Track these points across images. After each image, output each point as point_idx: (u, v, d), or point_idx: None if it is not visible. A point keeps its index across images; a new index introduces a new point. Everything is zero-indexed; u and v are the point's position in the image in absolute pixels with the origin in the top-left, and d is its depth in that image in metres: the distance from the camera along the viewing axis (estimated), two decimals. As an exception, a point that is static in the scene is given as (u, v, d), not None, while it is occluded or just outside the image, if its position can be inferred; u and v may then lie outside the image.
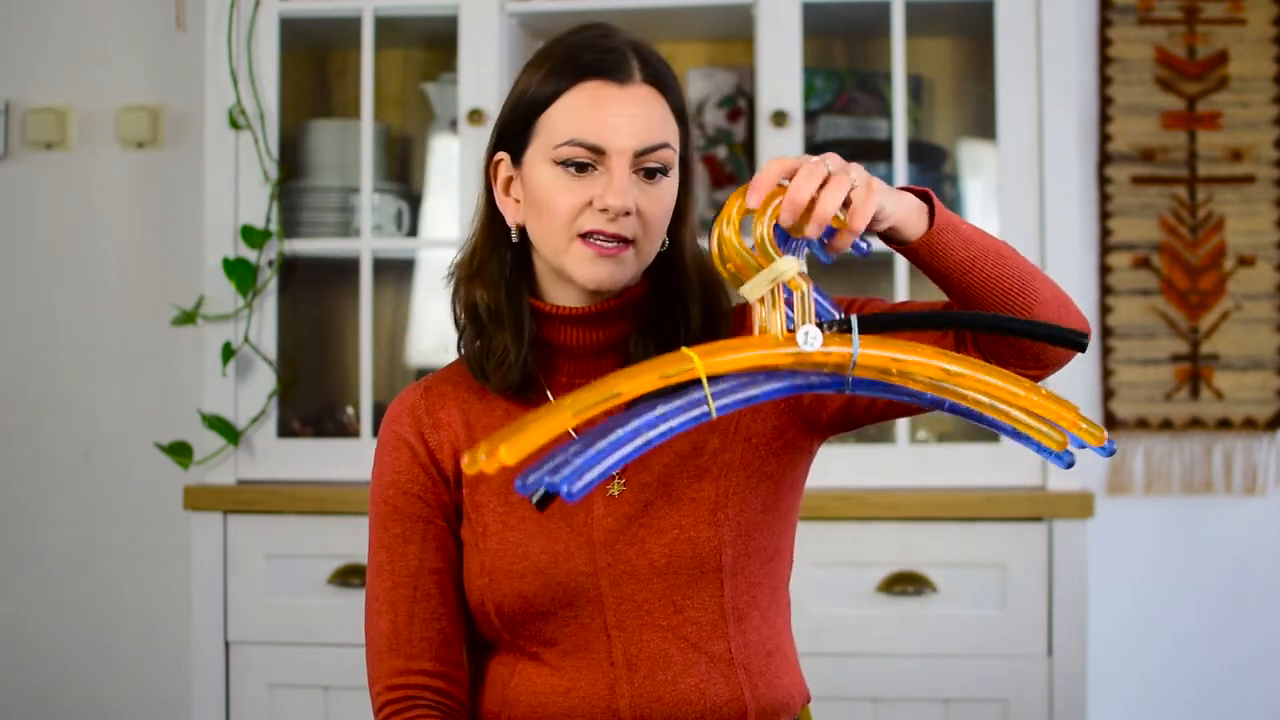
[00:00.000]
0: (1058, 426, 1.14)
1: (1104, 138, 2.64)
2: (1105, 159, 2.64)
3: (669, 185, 1.35)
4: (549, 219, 1.33)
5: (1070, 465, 1.16)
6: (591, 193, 1.31)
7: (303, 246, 2.48)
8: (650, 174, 1.33)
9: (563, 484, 1.02)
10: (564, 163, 1.32)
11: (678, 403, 1.07)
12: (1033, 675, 2.26)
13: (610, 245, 1.31)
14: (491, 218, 1.41)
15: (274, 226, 2.43)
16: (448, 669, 1.38)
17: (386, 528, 1.39)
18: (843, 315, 1.12)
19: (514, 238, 1.38)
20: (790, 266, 1.09)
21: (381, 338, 2.69)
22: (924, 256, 1.25)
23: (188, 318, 2.43)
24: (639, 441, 1.06)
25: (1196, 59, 2.63)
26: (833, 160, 1.15)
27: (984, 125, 2.54)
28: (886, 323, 1.14)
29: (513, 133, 1.38)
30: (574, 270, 1.33)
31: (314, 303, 2.71)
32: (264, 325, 2.43)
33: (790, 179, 1.13)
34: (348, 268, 2.53)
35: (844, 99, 2.62)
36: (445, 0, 2.43)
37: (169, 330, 2.64)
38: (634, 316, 1.39)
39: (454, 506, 1.40)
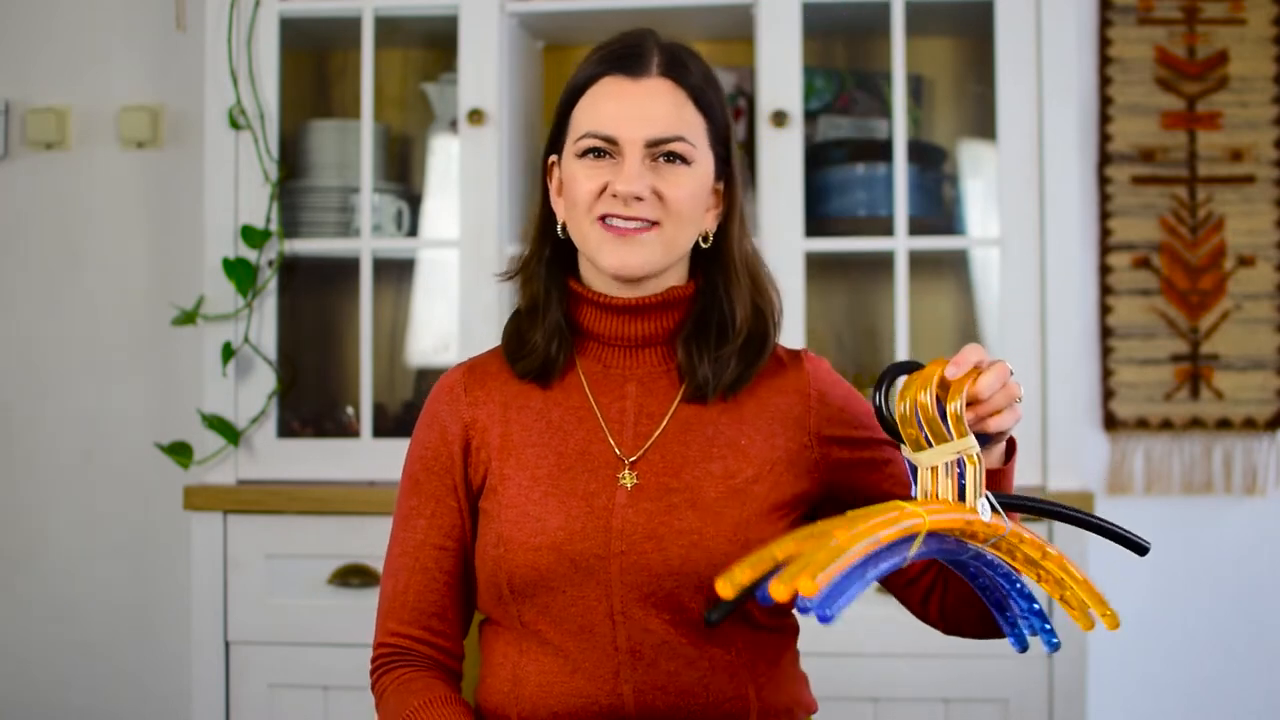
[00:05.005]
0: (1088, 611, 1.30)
1: (1104, 138, 2.64)
2: (1105, 159, 2.64)
3: (691, 173, 1.39)
4: (574, 207, 1.40)
5: (1055, 648, 1.33)
6: (607, 178, 1.37)
7: (303, 246, 2.48)
8: (669, 159, 1.38)
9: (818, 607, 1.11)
10: (584, 153, 1.39)
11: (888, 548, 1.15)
12: (1033, 675, 2.26)
13: (629, 225, 1.37)
14: (545, 219, 1.47)
15: (274, 226, 2.43)
16: (435, 637, 1.44)
17: (407, 499, 1.47)
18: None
19: (560, 234, 1.44)
20: (975, 445, 1.21)
21: (381, 338, 2.68)
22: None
23: (188, 318, 2.43)
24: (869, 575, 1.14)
25: (1196, 59, 2.63)
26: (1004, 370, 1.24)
27: (984, 125, 2.54)
28: (1011, 504, 1.27)
29: (555, 134, 1.45)
30: (598, 257, 1.39)
31: (314, 303, 2.71)
32: (264, 325, 2.43)
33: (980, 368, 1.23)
34: (348, 268, 2.53)
35: (844, 99, 2.62)
36: (445, 0, 2.43)
37: (169, 330, 2.64)
38: (678, 314, 1.43)
39: (475, 486, 1.45)
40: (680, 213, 1.38)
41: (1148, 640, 2.63)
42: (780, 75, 2.36)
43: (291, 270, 2.53)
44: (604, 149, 1.38)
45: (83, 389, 2.81)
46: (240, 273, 2.41)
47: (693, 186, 1.39)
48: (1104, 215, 2.63)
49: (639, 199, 1.36)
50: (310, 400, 2.66)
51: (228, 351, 2.41)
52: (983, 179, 2.56)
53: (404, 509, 1.47)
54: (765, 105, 2.35)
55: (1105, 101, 2.64)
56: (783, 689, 1.42)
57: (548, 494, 1.39)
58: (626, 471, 1.39)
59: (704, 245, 1.43)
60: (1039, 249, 2.31)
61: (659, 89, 1.39)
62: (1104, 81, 2.64)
